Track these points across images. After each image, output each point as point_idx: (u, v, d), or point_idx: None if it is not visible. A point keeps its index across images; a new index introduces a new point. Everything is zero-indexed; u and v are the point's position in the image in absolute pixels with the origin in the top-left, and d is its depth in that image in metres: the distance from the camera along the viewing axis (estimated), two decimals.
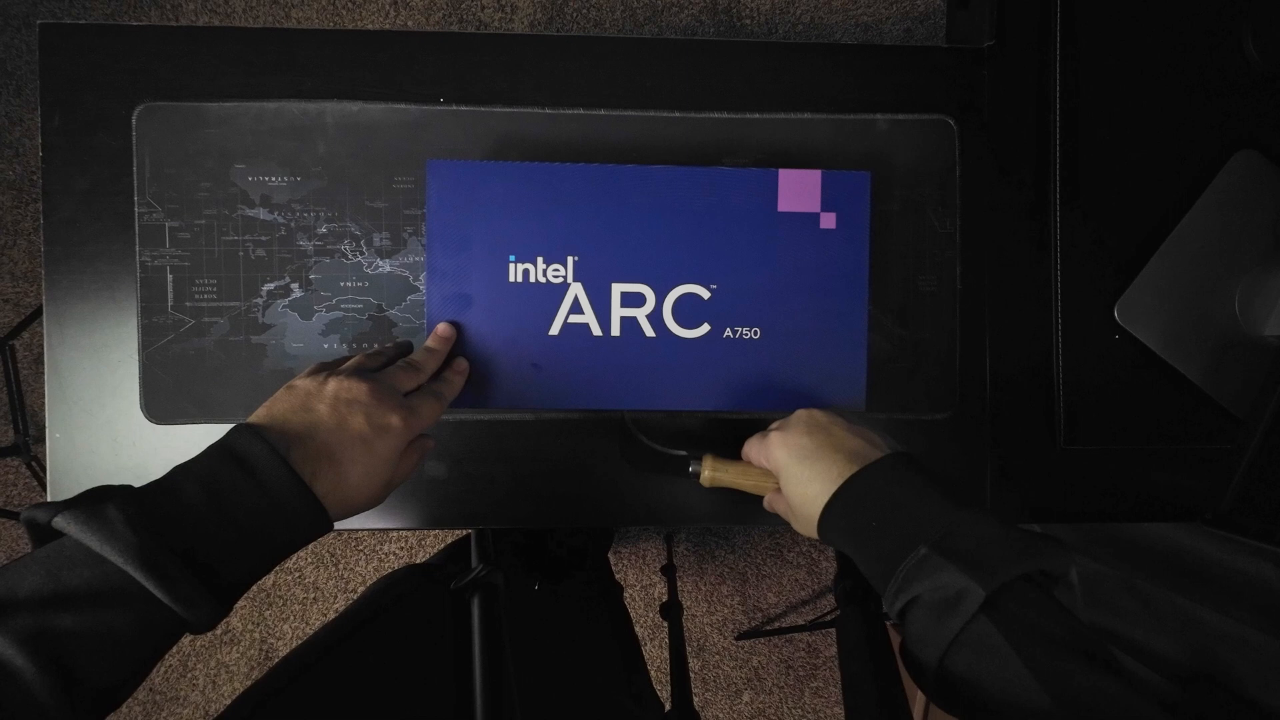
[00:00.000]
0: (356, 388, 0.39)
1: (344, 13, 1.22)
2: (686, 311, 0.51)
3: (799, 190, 0.51)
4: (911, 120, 0.56)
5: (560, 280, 0.50)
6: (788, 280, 0.51)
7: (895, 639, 1.17)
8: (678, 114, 0.55)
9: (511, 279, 0.50)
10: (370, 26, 1.22)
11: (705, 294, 0.51)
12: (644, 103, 0.55)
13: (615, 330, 0.51)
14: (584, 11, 1.23)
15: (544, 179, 0.50)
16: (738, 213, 0.51)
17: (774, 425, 0.47)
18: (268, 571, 0.36)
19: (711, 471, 0.49)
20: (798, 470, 0.42)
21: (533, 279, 0.50)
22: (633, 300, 0.51)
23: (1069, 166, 0.56)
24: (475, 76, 0.55)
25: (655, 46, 0.56)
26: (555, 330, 0.51)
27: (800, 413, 0.46)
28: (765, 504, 0.49)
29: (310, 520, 0.36)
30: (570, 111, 0.55)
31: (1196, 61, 0.57)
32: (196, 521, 0.32)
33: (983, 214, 0.57)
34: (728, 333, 0.51)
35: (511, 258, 0.50)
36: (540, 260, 0.50)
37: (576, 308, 0.51)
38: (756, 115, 0.56)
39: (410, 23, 1.23)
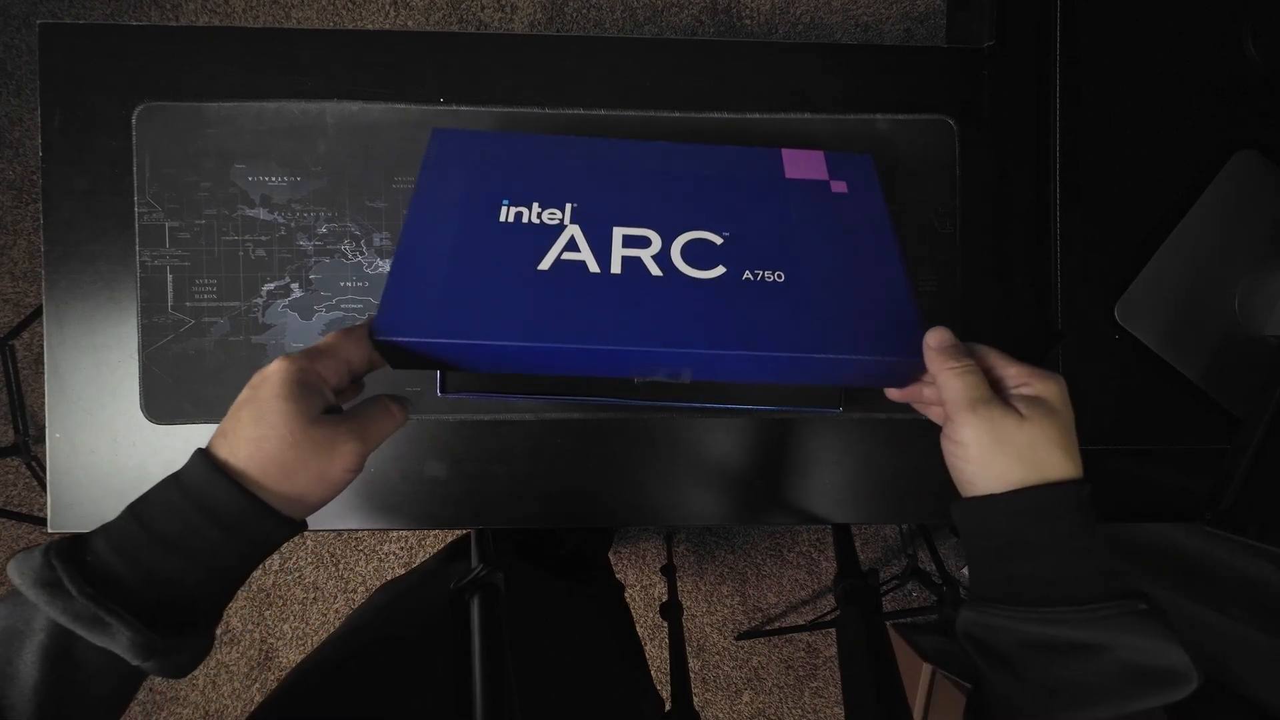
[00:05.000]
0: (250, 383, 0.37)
1: (344, 13, 1.22)
2: (698, 255, 0.44)
3: (804, 166, 0.49)
4: (911, 120, 0.56)
5: (556, 223, 0.44)
6: (807, 230, 0.46)
7: (896, 640, 1.17)
8: (678, 114, 0.55)
9: (502, 219, 0.44)
10: (370, 26, 1.22)
11: (717, 240, 0.45)
12: (644, 103, 0.55)
13: (616, 268, 0.43)
14: (584, 11, 1.23)
15: (546, 150, 0.48)
16: (745, 180, 0.48)
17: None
18: (227, 590, 0.34)
19: None
20: (1050, 431, 0.35)
21: (525, 220, 0.44)
22: (636, 242, 0.44)
23: (1069, 166, 0.56)
24: (475, 76, 0.55)
25: (655, 46, 0.56)
26: (546, 265, 0.42)
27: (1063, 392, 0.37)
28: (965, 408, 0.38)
29: (240, 507, 0.33)
30: (570, 111, 0.55)
31: (1196, 61, 0.57)
32: (121, 543, 0.31)
33: (983, 214, 0.57)
34: (747, 275, 0.44)
35: (505, 202, 0.45)
36: (535, 205, 0.45)
37: (572, 245, 0.44)
38: (756, 115, 0.56)
39: (410, 23, 1.23)
